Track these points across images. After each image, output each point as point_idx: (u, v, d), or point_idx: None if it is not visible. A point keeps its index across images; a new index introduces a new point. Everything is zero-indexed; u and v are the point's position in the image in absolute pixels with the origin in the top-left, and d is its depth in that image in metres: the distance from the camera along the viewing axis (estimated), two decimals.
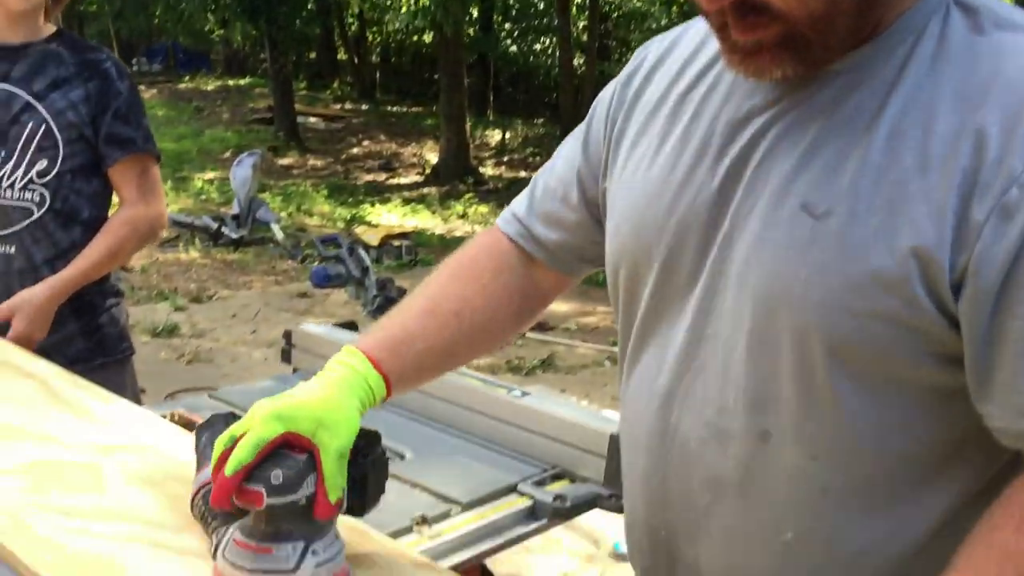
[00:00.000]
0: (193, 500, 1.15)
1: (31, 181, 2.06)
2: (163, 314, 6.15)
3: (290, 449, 1.02)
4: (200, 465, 1.17)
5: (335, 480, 1.02)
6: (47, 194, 2.07)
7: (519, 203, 1.21)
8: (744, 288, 0.92)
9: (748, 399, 0.92)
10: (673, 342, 0.99)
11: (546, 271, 1.19)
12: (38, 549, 1.10)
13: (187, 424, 1.57)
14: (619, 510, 1.38)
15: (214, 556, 1.06)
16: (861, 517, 0.92)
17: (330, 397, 1.05)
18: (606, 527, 3.21)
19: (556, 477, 1.47)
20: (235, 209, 8.43)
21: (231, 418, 1.25)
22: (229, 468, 0.99)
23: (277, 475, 0.99)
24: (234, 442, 1.01)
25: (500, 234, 1.21)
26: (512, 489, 1.41)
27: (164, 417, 1.58)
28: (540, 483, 1.44)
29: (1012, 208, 0.80)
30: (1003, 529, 0.81)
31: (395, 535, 1.24)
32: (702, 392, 0.96)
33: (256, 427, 1.01)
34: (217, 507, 1.00)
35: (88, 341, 2.13)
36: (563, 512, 1.37)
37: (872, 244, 0.84)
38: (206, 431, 1.21)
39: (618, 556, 3.15)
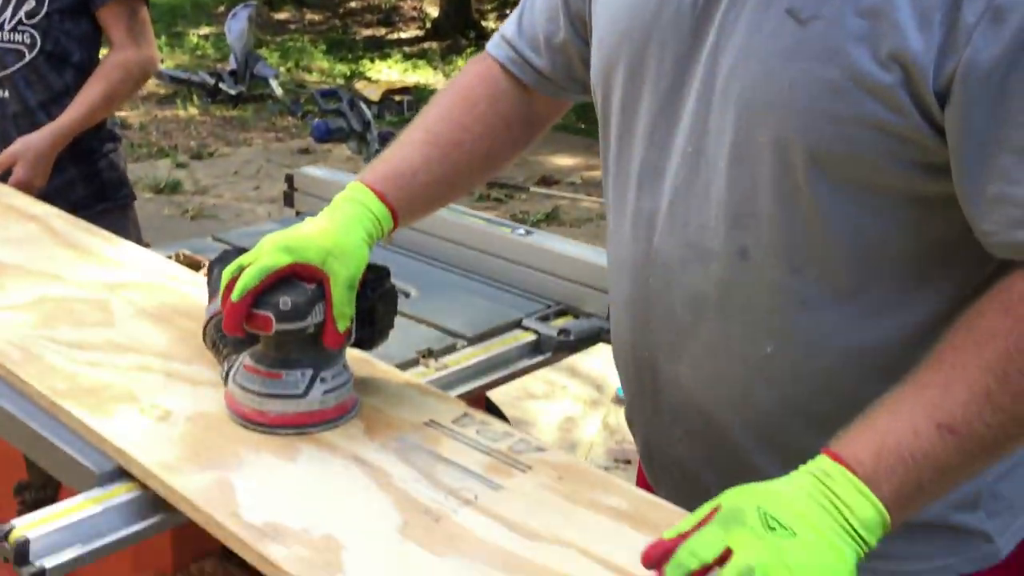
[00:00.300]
0: (205, 329, 1.16)
1: (20, 22, 2.04)
2: (164, 171, 6.10)
3: (299, 279, 1.02)
4: (212, 297, 1.18)
5: (344, 309, 1.02)
6: (37, 35, 2.05)
7: (509, 25, 1.18)
8: (728, 101, 0.90)
9: (728, 216, 0.92)
10: (656, 163, 0.98)
11: (539, 96, 1.18)
12: (50, 378, 1.12)
13: (192, 264, 1.57)
14: None
15: (225, 382, 1.07)
16: (839, 328, 0.92)
17: (338, 229, 1.05)
18: (609, 373, 3.27)
19: (560, 313, 1.48)
20: (232, 64, 8.24)
21: (242, 254, 1.25)
22: (236, 293, 0.99)
23: (286, 302, 0.99)
24: (241, 270, 1.02)
25: (491, 61, 1.19)
26: (517, 324, 1.42)
27: (169, 258, 1.58)
28: (544, 319, 1.45)
29: (1004, 10, 0.77)
30: (987, 314, 0.81)
31: (401, 367, 1.26)
32: (683, 212, 0.96)
33: (263, 256, 1.01)
34: (229, 333, 1.01)
35: (88, 187, 2.13)
36: (567, 346, 1.38)
37: (856, 48, 0.82)
38: (218, 265, 1.21)
39: (621, 400, 3.22)
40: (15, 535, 0.90)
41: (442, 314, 1.41)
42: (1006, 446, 0.82)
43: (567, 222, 5.41)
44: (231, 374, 1.06)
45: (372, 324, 1.09)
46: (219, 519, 0.88)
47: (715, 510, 0.79)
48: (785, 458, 0.84)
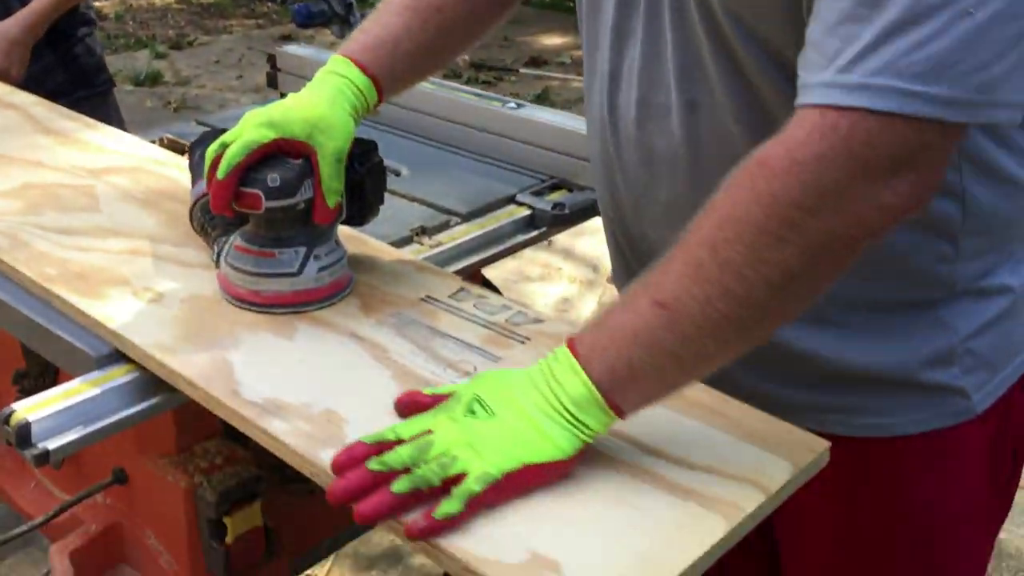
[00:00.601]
0: (192, 213, 1.14)
1: None
2: (143, 62, 5.96)
3: (285, 156, 1.00)
4: (195, 179, 1.16)
5: (333, 183, 1.00)
6: None
7: None
8: None
9: (677, 69, 0.92)
10: (622, 24, 0.97)
11: None
12: (40, 264, 1.10)
13: (176, 148, 1.53)
14: None
15: (217, 264, 1.06)
16: None
17: (321, 102, 1.02)
18: (604, 253, 3.27)
19: (554, 187, 1.46)
20: None
21: (223, 134, 1.22)
22: (221, 171, 0.97)
23: (274, 178, 0.97)
24: (225, 148, 0.99)
25: None
26: (511, 200, 1.40)
27: (153, 143, 1.54)
28: (538, 193, 1.43)
29: None
30: (723, 188, 0.77)
31: (395, 246, 1.24)
32: (642, 69, 0.95)
33: (246, 132, 0.99)
34: (216, 212, 0.99)
35: (66, 72, 2.07)
36: (562, 219, 1.36)
37: None
38: (199, 147, 1.18)
39: None
40: (16, 418, 0.90)
41: (434, 192, 1.39)
42: (723, 327, 0.75)
43: (558, 103, 5.32)
44: (222, 256, 1.04)
45: (362, 199, 1.07)
46: (218, 397, 0.88)
47: (447, 396, 0.82)
48: None
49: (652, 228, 1.03)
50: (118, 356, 0.98)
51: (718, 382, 0.88)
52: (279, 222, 1.00)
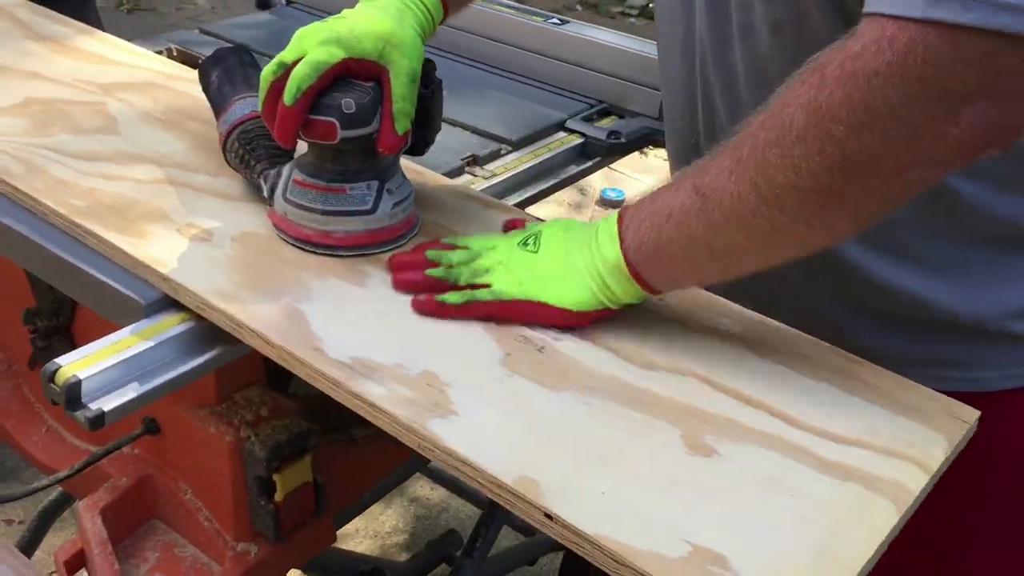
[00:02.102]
0: (225, 144, 1.01)
1: None
2: None
3: (352, 78, 0.88)
4: (220, 106, 1.03)
5: (405, 106, 0.89)
6: None
7: None
8: None
9: None
10: None
11: None
12: (62, 193, 0.98)
13: (187, 61, 1.39)
14: None
15: (270, 200, 0.95)
16: None
17: (387, 18, 0.91)
18: (593, 179, 3.18)
19: (604, 113, 1.36)
20: None
21: (243, 52, 1.09)
22: (289, 96, 0.85)
23: (349, 103, 0.86)
24: (285, 70, 0.87)
25: None
26: (560, 126, 1.30)
27: (159, 54, 1.40)
28: (588, 119, 1.33)
29: None
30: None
31: (447, 177, 1.14)
32: None
33: (312, 51, 0.87)
34: (284, 144, 0.87)
35: None
36: (619, 148, 1.27)
37: None
38: (215, 68, 1.05)
39: (605, 201, 3.14)
40: (63, 375, 0.79)
41: (479, 117, 1.28)
42: (752, 225, 0.73)
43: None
44: (277, 191, 0.93)
45: (425, 124, 0.97)
46: (301, 356, 0.78)
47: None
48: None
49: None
50: (169, 302, 0.88)
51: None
52: (349, 153, 0.90)
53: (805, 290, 0.94)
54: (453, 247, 0.89)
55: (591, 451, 0.71)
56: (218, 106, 1.04)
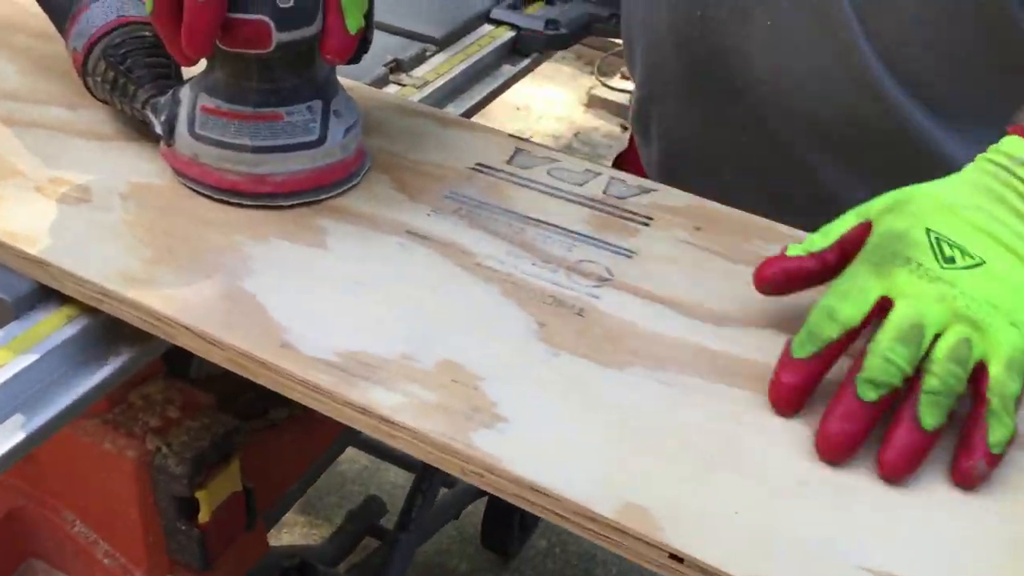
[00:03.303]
0: (85, 66, 0.73)
1: None
2: None
3: None
4: (62, 13, 0.75)
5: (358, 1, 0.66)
6: None
7: None
8: None
9: None
10: None
11: None
12: None
13: None
14: (618, 33, 1.09)
15: (168, 139, 0.69)
16: None
17: None
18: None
19: None
20: None
21: None
22: None
23: None
24: None
25: None
26: (486, 17, 1.07)
27: None
28: (514, 7, 1.10)
29: None
30: None
31: (372, 87, 0.90)
32: None
33: None
34: (193, 53, 0.62)
35: None
36: (558, 40, 1.06)
37: None
38: None
39: None
40: None
41: (393, 12, 1.03)
42: None
43: None
44: (180, 125, 0.68)
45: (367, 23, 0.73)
46: (265, 357, 0.56)
47: (861, 231, 0.57)
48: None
49: (760, 52, 0.79)
50: (43, 295, 0.63)
51: None
52: (281, 64, 0.65)
53: None
54: (829, 347, 0.53)
55: (692, 451, 0.53)
56: (59, 13, 0.76)
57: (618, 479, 0.51)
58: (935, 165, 0.77)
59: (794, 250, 0.58)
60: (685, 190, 0.76)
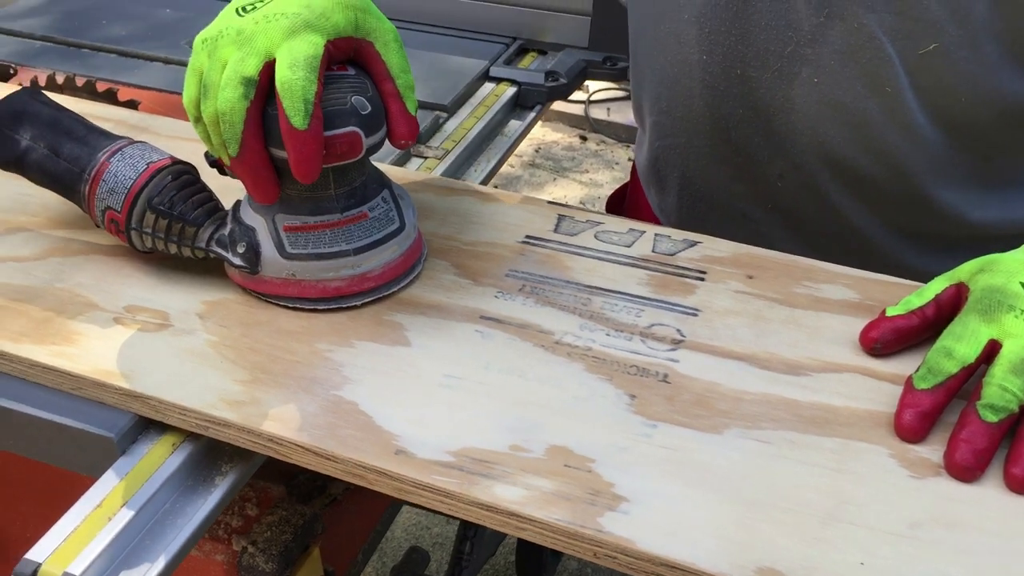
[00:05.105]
0: (128, 222, 0.70)
1: None
2: None
3: (331, 68, 0.66)
4: (72, 178, 0.71)
5: (409, 78, 0.68)
6: None
7: None
8: None
9: None
10: None
11: None
12: None
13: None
14: (614, 77, 1.12)
15: (253, 268, 0.69)
16: None
17: None
18: None
19: (522, 51, 1.17)
20: None
21: (33, 92, 0.76)
22: (300, 116, 0.61)
23: (361, 102, 0.64)
24: (258, 88, 0.62)
25: None
26: (485, 76, 1.10)
27: None
28: (509, 63, 1.13)
29: None
30: None
31: (394, 165, 0.93)
32: None
33: (291, 47, 0.63)
34: (306, 179, 0.63)
35: None
36: (559, 91, 1.09)
37: None
38: (22, 129, 0.72)
39: None
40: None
41: None
42: None
43: None
44: (267, 251, 0.68)
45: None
46: (384, 466, 0.58)
47: (952, 291, 0.64)
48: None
49: (803, 108, 0.80)
50: (142, 427, 0.64)
51: None
52: (352, 166, 0.68)
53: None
54: (946, 385, 0.60)
55: (804, 507, 0.56)
56: (68, 178, 0.72)
57: (743, 543, 0.54)
58: (960, 226, 0.81)
59: (893, 311, 0.65)
60: (711, 234, 0.79)
